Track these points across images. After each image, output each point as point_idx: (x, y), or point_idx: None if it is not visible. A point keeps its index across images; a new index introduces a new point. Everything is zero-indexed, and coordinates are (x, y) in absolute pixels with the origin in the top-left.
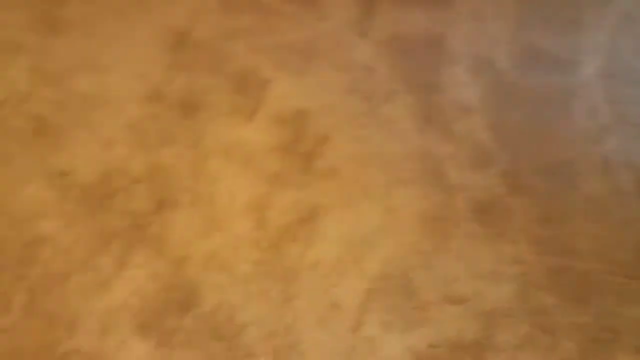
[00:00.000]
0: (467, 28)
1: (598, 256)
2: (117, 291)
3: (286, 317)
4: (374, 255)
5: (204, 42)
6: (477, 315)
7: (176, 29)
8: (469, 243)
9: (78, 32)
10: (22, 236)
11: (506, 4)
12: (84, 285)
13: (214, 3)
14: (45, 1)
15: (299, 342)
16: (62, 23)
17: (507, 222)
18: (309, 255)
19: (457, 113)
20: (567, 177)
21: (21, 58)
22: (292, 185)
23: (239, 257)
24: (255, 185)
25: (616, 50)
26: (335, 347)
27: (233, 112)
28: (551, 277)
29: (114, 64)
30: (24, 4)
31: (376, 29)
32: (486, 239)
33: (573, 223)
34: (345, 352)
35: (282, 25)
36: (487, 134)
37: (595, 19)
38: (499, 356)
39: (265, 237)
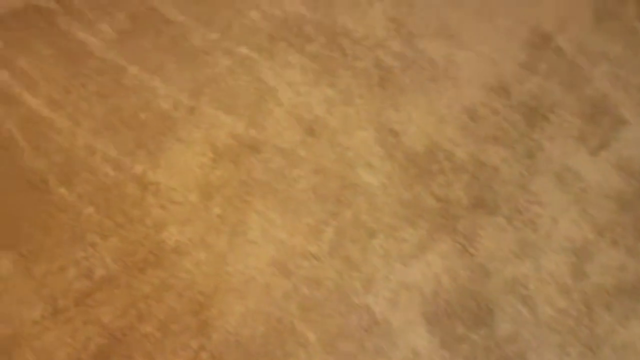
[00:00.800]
0: None
1: None
2: (415, 269)
3: None
4: None
5: (565, 53)
6: None
7: (540, 30)
8: None
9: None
10: (343, 176)
11: None
12: (386, 249)
13: (588, 16)
14: None
15: None
16: None
17: None
18: (622, 334)
19: None
20: None
21: (383, 4)
22: (623, 245)
23: (545, 295)
24: (582, 227)
25: None
26: None
27: (578, 139)
28: None
29: (470, 42)
30: None
31: None
32: None
33: None
34: None
35: None
36: None
37: None
38: None
39: (577, 289)
